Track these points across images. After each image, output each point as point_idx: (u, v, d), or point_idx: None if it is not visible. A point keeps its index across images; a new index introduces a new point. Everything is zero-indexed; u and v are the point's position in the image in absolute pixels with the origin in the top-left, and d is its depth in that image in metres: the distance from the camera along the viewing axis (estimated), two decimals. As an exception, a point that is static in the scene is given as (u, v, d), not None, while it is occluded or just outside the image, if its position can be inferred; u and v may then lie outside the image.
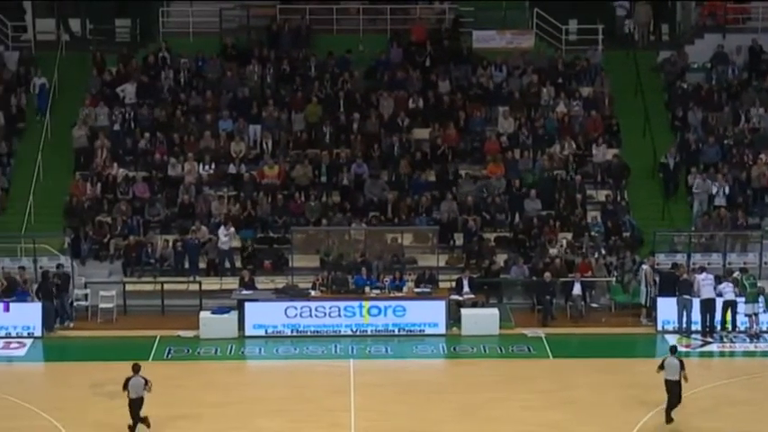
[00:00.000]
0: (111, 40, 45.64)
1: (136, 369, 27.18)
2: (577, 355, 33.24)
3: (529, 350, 33.28)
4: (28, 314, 34.15)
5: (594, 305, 36.21)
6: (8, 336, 33.92)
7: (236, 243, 37.17)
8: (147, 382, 27.00)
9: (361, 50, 43.70)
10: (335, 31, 44.42)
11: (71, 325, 35.00)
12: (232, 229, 36.98)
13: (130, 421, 27.06)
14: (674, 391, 27.39)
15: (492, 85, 42.43)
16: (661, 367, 27.61)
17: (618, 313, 36.10)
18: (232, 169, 39.78)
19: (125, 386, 27.04)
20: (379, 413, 28.65)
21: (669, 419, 27.37)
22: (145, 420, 27.20)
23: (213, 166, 39.90)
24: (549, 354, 32.99)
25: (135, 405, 27.12)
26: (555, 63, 43.38)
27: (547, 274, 35.61)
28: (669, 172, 39.68)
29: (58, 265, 35.70)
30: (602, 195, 39.43)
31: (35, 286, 34.95)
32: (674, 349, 28.08)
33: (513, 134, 40.92)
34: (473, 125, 41.31)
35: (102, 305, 35.60)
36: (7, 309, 34.06)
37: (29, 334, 33.98)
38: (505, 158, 40.09)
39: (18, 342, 33.66)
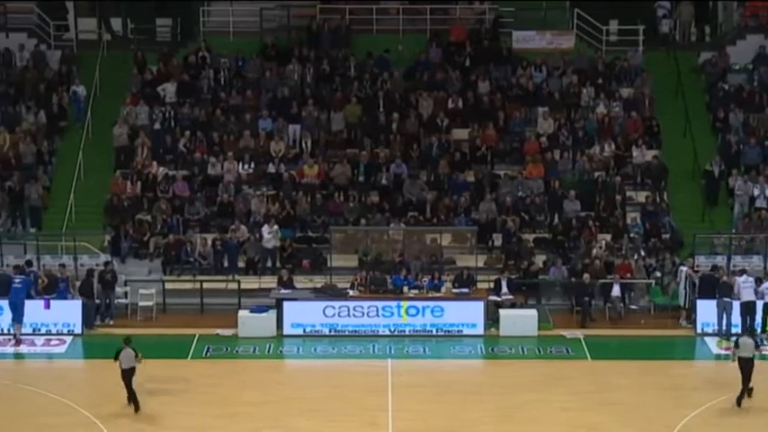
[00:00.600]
0: (151, 40, 45.82)
1: (127, 341, 28.74)
2: (616, 356, 33.09)
3: (567, 351, 33.18)
4: (68, 311, 34.36)
5: (633, 307, 36.06)
6: (48, 333, 34.12)
7: (277, 242, 37.19)
8: (137, 354, 28.48)
9: (400, 50, 43.68)
10: (375, 31, 44.44)
11: (111, 322, 35.16)
12: (275, 227, 37.05)
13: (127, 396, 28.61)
14: (746, 369, 28.13)
15: (532, 86, 42.32)
16: (736, 345, 28.48)
17: (657, 315, 35.94)
18: (271, 169, 39.86)
19: (116, 357, 28.54)
20: (416, 413, 28.63)
21: (747, 395, 28.21)
22: (134, 398, 28.54)
23: (252, 165, 39.99)
24: (588, 355, 32.88)
25: (127, 375, 28.54)
26: (595, 64, 43.22)
27: (586, 276, 35.49)
28: (713, 180, 39.35)
29: (107, 263, 35.88)
30: (641, 197, 39.23)
31: (77, 283, 35.15)
32: (750, 330, 28.96)
33: (552, 135, 40.80)
34: (512, 126, 41.23)
35: (141, 303, 35.76)
36: (48, 306, 34.26)
37: (69, 331, 34.18)
38: (545, 159, 39.98)
39: (58, 339, 33.87)
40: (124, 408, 28.73)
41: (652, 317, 35.86)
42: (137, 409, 28.44)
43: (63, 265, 35.66)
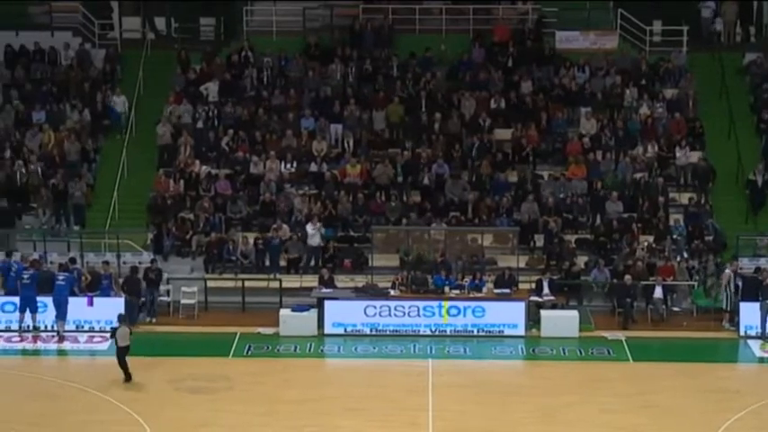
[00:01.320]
0: (195, 39, 46.00)
1: (120, 319, 30.97)
2: (658, 358, 32.93)
3: (609, 353, 33.06)
4: (111, 309, 34.48)
5: (676, 309, 35.89)
6: (91, 330, 34.34)
7: (320, 240, 37.21)
8: (131, 331, 30.66)
9: (443, 50, 43.64)
10: (418, 31, 44.42)
11: (153, 320, 35.34)
12: (319, 224, 37.11)
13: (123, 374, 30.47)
14: None
15: (575, 86, 42.19)
16: None
17: (700, 317, 35.73)
18: (313, 168, 39.95)
19: (112, 335, 30.60)
20: (456, 414, 28.60)
21: None
22: (128, 373, 30.47)
23: (295, 164, 40.08)
24: (630, 357, 32.74)
25: (122, 353, 30.42)
26: (639, 64, 43.03)
27: (628, 277, 35.35)
28: (757, 189, 39.05)
29: (152, 260, 36.08)
30: (684, 198, 39.04)
31: (121, 281, 35.36)
32: None
33: (595, 136, 40.67)
34: (555, 126, 41.12)
35: (183, 301, 35.91)
36: (91, 303, 34.48)
37: (111, 328, 34.30)
38: (587, 160, 39.86)
39: (101, 336, 34.04)
40: (165, 405, 28.93)
41: (694, 319, 35.67)
42: (128, 378, 30.43)
43: (106, 263, 35.85)
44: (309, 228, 37.06)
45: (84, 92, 42.68)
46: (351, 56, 43.31)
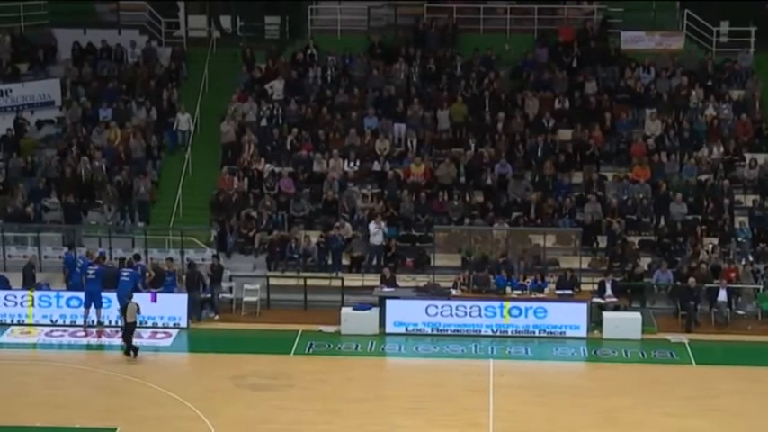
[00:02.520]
0: (260, 37, 46.24)
1: (129, 297, 32.44)
2: (721, 362, 32.67)
3: (671, 356, 32.83)
4: (174, 305, 34.80)
5: (740, 312, 35.56)
6: (155, 326, 34.59)
7: (383, 239, 37.25)
8: (139, 308, 32.20)
9: (507, 50, 43.54)
10: (482, 31, 44.32)
11: (216, 317, 35.55)
12: (383, 223, 37.14)
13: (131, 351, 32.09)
14: None
15: (640, 87, 41.93)
16: None
17: (764, 321, 35.36)
18: (376, 167, 40.00)
19: (123, 311, 32.15)
20: (517, 414, 28.55)
21: None
22: (133, 348, 32.12)
23: (357, 163, 40.15)
24: (693, 360, 32.49)
25: (131, 328, 32.07)
26: (705, 65, 42.68)
27: (691, 280, 35.08)
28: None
29: (214, 256, 36.29)
30: (749, 201, 38.67)
31: (184, 277, 35.62)
32: None
33: (660, 137, 40.40)
34: (619, 127, 40.89)
35: (246, 298, 36.09)
36: (154, 299, 34.71)
37: (174, 324, 34.62)
38: (652, 161, 39.59)
39: (164, 332, 34.30)
40: (228, 401, 29.11)
41: (759, 322, 35.31)
42: (135, 353, 32.06)
43: (170, 259, 36.12)
44: (372, 227, 37.12)
45: (150, 89, 43.04)
46: (415, 55, 43.32)
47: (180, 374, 31.78)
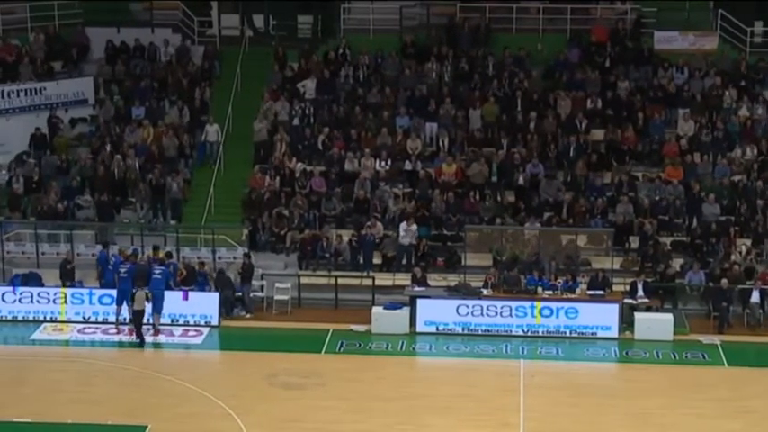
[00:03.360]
0: (292, 36, 46.28)
1: (140, 285, 33.45)
2: (754, 364, 32.54)
3: (703, 357, 32.70)
4: (206, 303, 34.91)
5: (773, 314, 35.43)
6: (186, 323, 34.71)
7: (413, 240, 37.22)
8: (147, 296, 33.25)
9: (539, 50, 43.46)
10: (514, 30, 44.25)
11: (248, 315, 35.62)
12: (414, 226, 37.08)
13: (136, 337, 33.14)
14: None
15: (673, 87, 41.76)
16: None
17: (797, 323, 35.26)
18: (408, 166, 39.99)
19: (132, 298, 33.16)
20: (548, 415, 28.51)
21: None
22: (141, 336, 33.17)
23: (389, 162, 40.16)
24: (725, 362, 32.36)
25: (139, 316, 33.12)
26: (738, 65, 42.46)
27: (724, 281, 34.92)
28: None
29: (245, 254, 36.38)
30: (783, 202, 38.51)
31: (215, 275, 35.73)
32: None
33: (693, 137, 40.23)
34: (652, 127, 40.74)
35: (277, 297, 36.17)
36: (186, 297, 34.85)
37: (206, 322, 34.73)
38: (684, 162, 39.45)
39: (195, 330, 34.42)
40: (258, 399, 29.19)
41: (792, 324, 35.20)
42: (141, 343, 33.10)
43: (202, 263, 36.11)
44: (402, 228, 37.07)
45: (183, 88, 43.18)
46: (447, 55, 43.28)
47: (211, 372, 31.86)
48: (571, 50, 43.15)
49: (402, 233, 37.07)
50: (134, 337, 33.67)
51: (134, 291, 33.30)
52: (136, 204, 39.46)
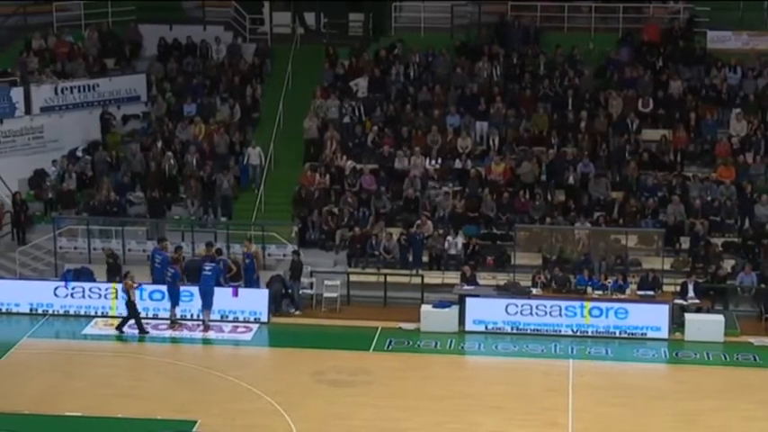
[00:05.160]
0: (343, 34, 46.36)
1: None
2: (806, 366, 32.30)
3: (755, 359, 32.46)
4: (255, 300, 35.05)
5: (825, 316, 35.10)
6: (236, 320, 34.88)
7: (458, 250, 37.22)
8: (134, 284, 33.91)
9: (591, 49, 43.28)
10: (566, 29, 44.10)
11: (298, 312, 35.72)
12: (459, 239, 36.94)
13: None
14: None
15: (726, 87, 41.47)
16: None
17: None
18: (458, 164, 39.96)
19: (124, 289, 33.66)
20: (597, 415, 28.43)
21: None
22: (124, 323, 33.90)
23: (439, 160, 40.15)
24: (776, 364, 32.16)
25: (133, 306, 33.65)
26: (793, 65, 42.15)
27: (776, 283, 34.71)
28: None
29: (295, 252, 36.48)
30: (838, 203, 38.13)
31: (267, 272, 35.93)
32: None
33: (745, 137, 39.92)
34: (704, 127, 40.47)
35: (326, 294, 36.24)
36: (236, 294, 35.02)
37: (255, 319, 34.87)
38: (737, 162, 39.16)
39: (245, 326, 34.58)
40: (307, 397, 29.30)
41: None
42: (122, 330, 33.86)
43: (249, 257, 36.31)
44: (449, 240, 36.97)
45: (234, 86, 43.36)
46: (498, 53, 43.19)
47: (260, 369, 32.00)
48: (623, 49, 42.93)
49: (447, 245, 37.01)
50: (184, 332, 33.93)
51: (126, 282, 33.75)
52: (186, 201, 39.67)
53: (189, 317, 34.72)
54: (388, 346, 33.21)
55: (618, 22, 43.90)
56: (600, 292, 34.72)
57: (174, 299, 34.43)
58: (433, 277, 36.76)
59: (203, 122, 41.75)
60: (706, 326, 33.68)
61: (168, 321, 34.54)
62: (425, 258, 37.29)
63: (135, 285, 33.88)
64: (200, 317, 34.40)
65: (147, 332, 33.81)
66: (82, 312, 35.31)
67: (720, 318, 33.97)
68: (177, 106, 42.87)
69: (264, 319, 34.84)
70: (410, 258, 37.25)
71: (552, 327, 34.17)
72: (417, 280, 36.58)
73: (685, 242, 37.24)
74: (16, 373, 31.07)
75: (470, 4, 45.24)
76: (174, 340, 33.76)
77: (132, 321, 33.89)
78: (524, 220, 38.12)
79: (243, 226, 38.66)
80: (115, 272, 36.35)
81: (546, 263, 36.45)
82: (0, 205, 40.04)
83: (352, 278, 36.85)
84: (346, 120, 41.64)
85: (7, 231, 39.75)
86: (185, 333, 34.08)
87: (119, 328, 33.90)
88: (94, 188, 40.03)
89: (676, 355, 32.94)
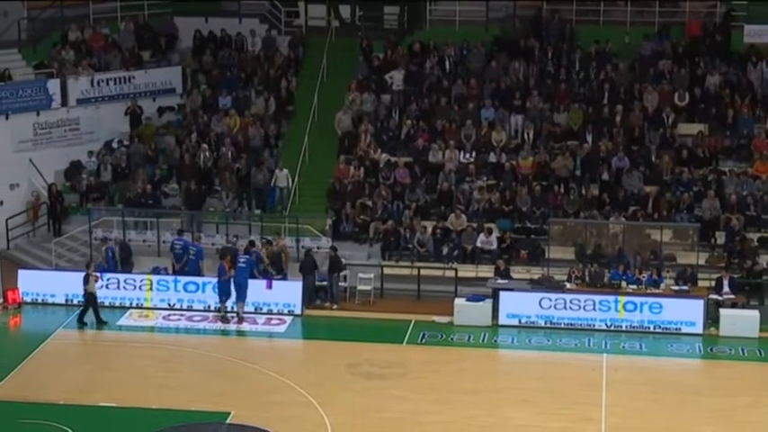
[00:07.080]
0: (378, 27, 46.32)
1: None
2: (841, 362, 32.11)
3: (790, 355, 32.35)
4: (289, 292, 35.14)
5: None
6: (270, 312, 34.97)
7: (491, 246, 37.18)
8: (98, 278, 34.16)
9: (626, 43, 43.08)
10: (601, 23, 43.92)
11: (334, 306, 35.71)
12: (493, 237, 36.92)
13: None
14: None
15: (763, 82, 41.21)
16: None
17: None
18: (492, 158, 39.89)
19: (86, 281, 33.75)
20: (630, 411, 28.35)
21: None
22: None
23: (474, 154, 40.09)
24: (811, 360, 31.98)
25: (91, 298, 33.83)
26: (830, 60, 41.83)
27: (812, 278, 34.50)
28: None
29: (332, 248, 36.51)
30: None
31: (298, 264, 35.93)
32: None
33: (782, 132, 39.73)
34: (741, 122, 40.24)
35: (360, 287, 36.28)
36: (270, 286, 35.11)
37: (289, 311, 34.95)
38: (773, 157, 38.98)
39: (279, 319, 34.67)
40: (340, 389, 29.36)
41: None
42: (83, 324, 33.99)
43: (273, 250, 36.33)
44: (481, 239, 36.90)
45: (269, 78, 43.43)
46: (533, 47, 43.07)
47: (293, 361, 32.08)
48: (659, 43, 42.71)
49: (479, 244, 36.96)
50: (218, 324, 34.07)
51: (87, 273, 33.90)
52: (221, 193, 39.78)
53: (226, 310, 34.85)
54: (421, 340, 33.23)
55: (653, 16, 43.69)
56: (634, 287, 34.63)
57: (241, 294, 34.52)
58: (466, 271, 36.73)
59: (238, 115, 41.86)
60: (741, 321, 33.54)
61: (234, 315, 34.72)
62: (459, 252, 37.26)
63: (97, 276, 34.16)
64: (235, 309, 34.48)
65: (106, 322, 34.10)
66: (117, 304, 35.49)
67: (756, 313, 33.80)
68: (212, 99, 42.98)
69: (298, 311, 34.93)
70: (444, 252, 37.20)
71: (586, 321, 34.09)
72: (451, 273, 36.55)
73: (721, 237, 37.06)
74: (51, 363, 31.28)
75: (506, -3, 45.16)
76: (207, 332, 33.86)
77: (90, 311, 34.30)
78: (558, 214, 38.04)
79: (277, 218, 38.70)
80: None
81: (580, 257, 36.33)
82: (36, 197, 40.29)
83: (386, 271, 36.87)
84: (381, 113, 41.61)
85: (43, 223, 40.09)
86: (220, 325, 34.16)
87: (80, 321, 34.13)
88: (129, 179, 40.18)
89: (711, 350, 32.80)
